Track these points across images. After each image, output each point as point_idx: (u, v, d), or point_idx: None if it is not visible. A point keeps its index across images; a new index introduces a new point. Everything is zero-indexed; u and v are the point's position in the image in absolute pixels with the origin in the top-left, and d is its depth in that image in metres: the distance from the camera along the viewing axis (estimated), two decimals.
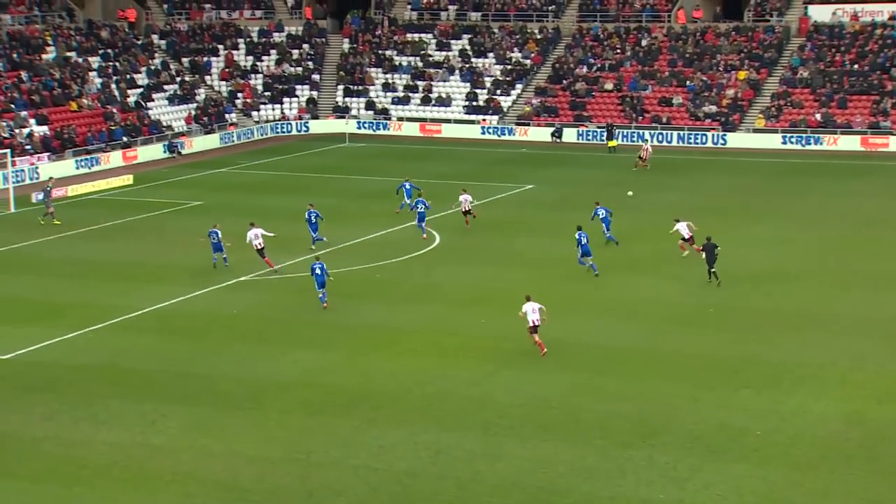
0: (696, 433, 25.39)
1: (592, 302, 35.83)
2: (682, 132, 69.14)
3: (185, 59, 76.85)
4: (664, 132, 69.36)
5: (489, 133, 72.22)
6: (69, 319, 33.35)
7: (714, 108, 70.28)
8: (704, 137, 68.64)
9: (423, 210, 43.70)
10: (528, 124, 72.15)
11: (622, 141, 67.84)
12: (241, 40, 79.35)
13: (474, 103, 74.72)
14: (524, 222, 47.64)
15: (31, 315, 33.98)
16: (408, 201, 46.89)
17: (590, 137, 70.17)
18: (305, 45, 79.81)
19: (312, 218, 42.14)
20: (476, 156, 66.11)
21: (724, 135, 68.43)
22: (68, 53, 70.05)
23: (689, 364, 29.90)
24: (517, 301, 35.73)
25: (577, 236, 38.47)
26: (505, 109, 74.30)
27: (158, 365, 29.66)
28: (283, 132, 73.32)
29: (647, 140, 63.27)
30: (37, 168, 57.34)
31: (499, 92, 75.26)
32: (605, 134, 67.51)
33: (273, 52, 78.93)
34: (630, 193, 50.90)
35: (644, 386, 28.30)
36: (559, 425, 25.97)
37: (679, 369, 29.55)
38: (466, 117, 73.98)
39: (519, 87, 75.61)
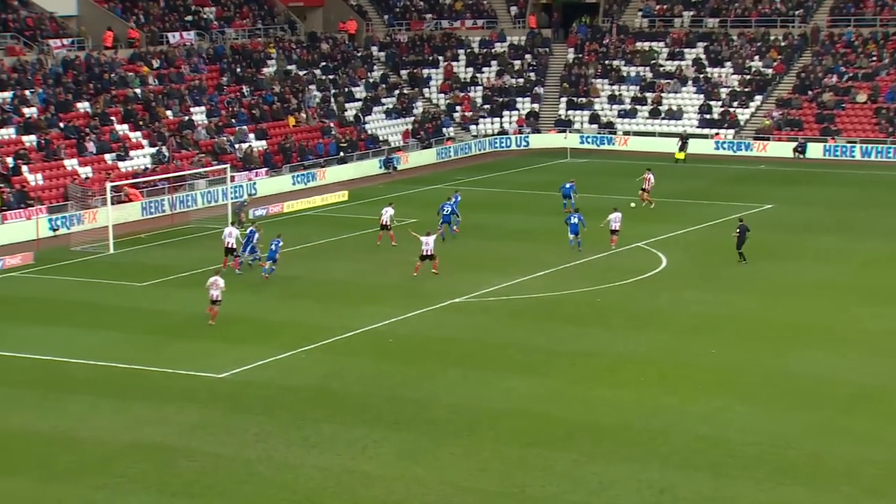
0: None
1: (837, 333, 34.47)
2: None
3: (403, 72, 78.86)
4: None
5: (723, 148, 70.73)
6: (282, 339, 34.66)
7: None
8: None
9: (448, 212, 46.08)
10: (768, 139, 70.23)
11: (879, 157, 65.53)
12: (461, 51, 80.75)
13: (707, 116, 73.35)
14: (761, 245, 46.31)
15: (245, 334, 35.51)
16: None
17: (838, 154, 67.67)
18: (528, 56, 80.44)
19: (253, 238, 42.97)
20: (709, 172, 64.85)
21: None
22: (289, 67, 73.14)
23: None
24: (751, 331, 34.88)
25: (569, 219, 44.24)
26: (742, 123, 72.59)
27: (370, 388, 30.41)
28: (503, 147, 74.03)
29: (649, 169, 54.83)
30: (255, 184, 60.00)
31: (736, 104, 73.62)
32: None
33: (494, 63, 79.93)
34: (633, 205, 50.62)
35: None
36: (799, 468, 25.07)
37: None
38: (699, 131, 72.71)
39: (758, 98, 73.73)
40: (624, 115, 75.15)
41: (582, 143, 73.18)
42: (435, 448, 26.42)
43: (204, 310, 37.61)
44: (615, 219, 45.37)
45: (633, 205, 52.53)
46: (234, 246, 41.98)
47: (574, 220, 44.97)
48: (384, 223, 46.23)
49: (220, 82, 68.48)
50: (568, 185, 52.24)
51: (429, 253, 40.84)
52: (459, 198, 49.59)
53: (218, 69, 69.63)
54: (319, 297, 39.57)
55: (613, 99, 76.27)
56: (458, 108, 76.67)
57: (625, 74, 77.67)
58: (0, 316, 38.10)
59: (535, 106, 77.18)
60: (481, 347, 33.87)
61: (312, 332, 35.10)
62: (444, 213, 47.53)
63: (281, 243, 41.84)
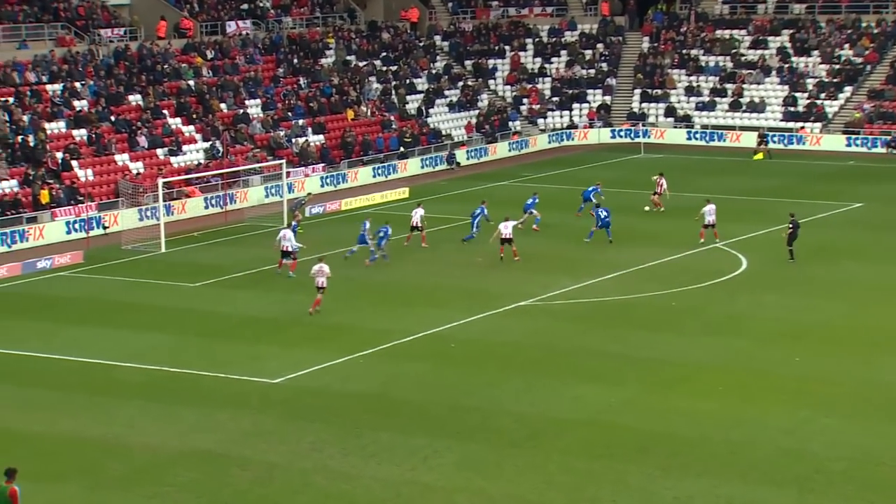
0: None
1: None
2: None
3: (468, 62, 78.88)
4: None
5: (808, 143, 69.81)
6: (339, 343, 34.81)
7: None
8: None
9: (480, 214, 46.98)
10: (858, 133, 69.23)
11: None
12: (529, 40, 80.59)
13: (792, 109, 72.49)
14: (849, 246, 45.74)
15: (301, 337, 35.72)
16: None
17: None
18: (600, 45, 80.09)
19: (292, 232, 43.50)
20: (793, 169, 64.09)
21: None
22: (348, 57, 73.48)
23: None
24: (839, 337, 34.38)
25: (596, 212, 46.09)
26: (830, 116, 71.63)
27: (431, 396, 30.45)
28: (572, 142, 73.75)
29: (661, 174, 53.43)
30: (311, 180, 60.19)
31: (823, 96, 72.66)
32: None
33: (564, 52, 79.69)
34: (647, 209, 50.41)
35: None
36: (891, 485, 24.69)
37: None
38: (783, 125, 71.87)
39: (848, 90, 72.69)
40: (702, 107, 74.52)
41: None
42: (499, 459, 26.37)
43: (263, 310, 37.95)
44: (709, 211, 45.53)
45: (647, 208, 52.22)
46: (290, 248, 41.97)
47: (603, 213, 46.10)
48: (415, 224, 46.40)
49: (276, 74, 69.01)
50: (590, 189, 51.70)
51: (507, 236, 43.20)
52: (538, 199, 49.70)
53: (274, 60, 70.17)
54: (378, 299, 39.67)
55: (691, 91, 75.65)
56: (525, 100, 76.52)
57: (703, 64, 77.00)
58: (48, 317, 38.72)
59: (607, 98, 76.80)
60: (548, 353, 33.76)
61: (371, 336, 35.22)
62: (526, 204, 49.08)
63: (390, 231, 43.77)
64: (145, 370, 32.82)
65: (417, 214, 46.65)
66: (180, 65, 65.20)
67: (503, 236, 43.31)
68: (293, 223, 44.99)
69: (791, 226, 42.95)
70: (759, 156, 67.52)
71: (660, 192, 52.56)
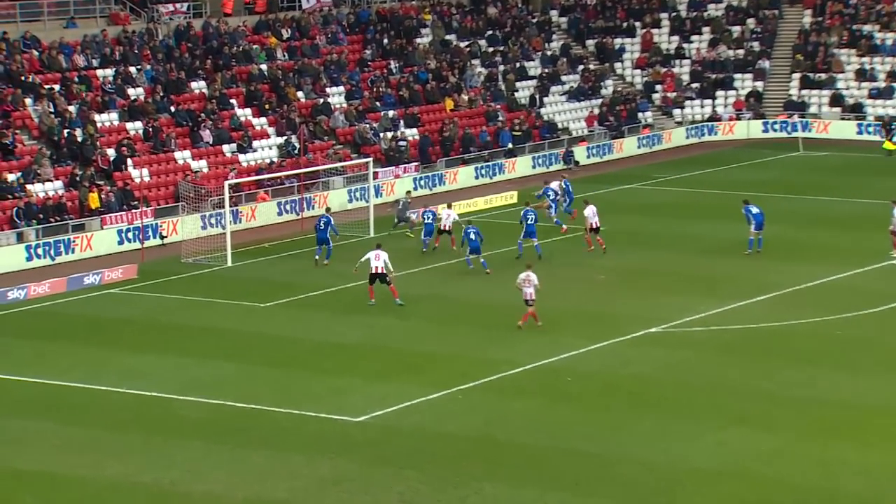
0: None
1: None
2: None
3: (590, 42, 78.83)
4: None
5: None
6: (435, 375, 34.98)
7: None
8: None
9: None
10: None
11: None
12: (664, 15, 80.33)
13: None
14: None
15: (390, 368, 35.95)
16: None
17: None
18: (750, 21, 79.52)
19: (321, 225, 46.64)
20: None
21: None
22: (447, 37, 73.90)
23: None
24: None
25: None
26: None
27: (543, 439, 30.46)
28: (714, 136, 73.27)
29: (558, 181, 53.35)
30: (403, 181, 60.60)
31: None
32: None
33: (706, 30, 79.29)
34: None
35: None
36: None
37: None
38: None
39: None
40: (876, 95, 73.60)
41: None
42: None
43: (344, 335, 38.29)
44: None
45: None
46: (383, 271, 41.52)
47: (755, 209, 46.11)
48: (446, 227, 47.98)
49: (362, 56, 69.72)
50: (568, 186, 53.06)
51: (596, 225, 46.48)
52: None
53: (361, 40, 70.92)
54: (480, 323, 39.76)
55: (862, 75, 74.76)
56: (658, 87, 76.26)
57: (878, 43, 76.11)
58: (97, 342, 39.47)
59: (759, 84, 76.26)
60: (684, 390, 33.61)
61: (472, 367, 35.33)
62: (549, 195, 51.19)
63: (478, 230, 45.21)
64: (208, 405, 33.30)
65: (450, 218, 48.03)
66: (251, 46, 66.19)
67: (591, 226, 45.68)
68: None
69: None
70: (891, 145, 66.65)
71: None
